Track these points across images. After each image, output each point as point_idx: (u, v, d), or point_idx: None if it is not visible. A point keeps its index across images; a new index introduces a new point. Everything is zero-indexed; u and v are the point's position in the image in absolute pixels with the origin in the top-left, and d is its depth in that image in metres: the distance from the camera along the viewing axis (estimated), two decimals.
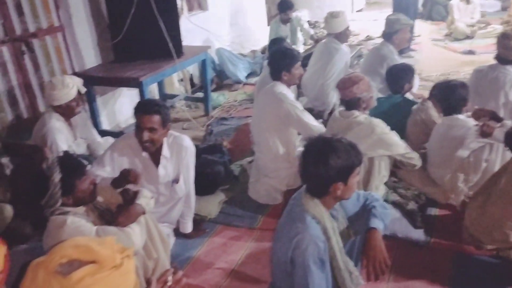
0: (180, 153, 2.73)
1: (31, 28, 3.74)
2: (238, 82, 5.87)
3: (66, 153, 2.15)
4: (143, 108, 2.58)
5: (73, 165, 2.07)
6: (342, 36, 4.49)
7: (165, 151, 2.70)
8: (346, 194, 1.85)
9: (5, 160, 3.27)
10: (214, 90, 5.63)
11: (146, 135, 2.54)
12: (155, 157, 2.71)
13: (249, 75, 6.06)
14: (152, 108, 2.55)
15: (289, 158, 3.24)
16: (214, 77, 5.87)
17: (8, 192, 3.13)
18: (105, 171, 2.61)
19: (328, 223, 1.83)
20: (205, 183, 3.23)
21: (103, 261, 0.91)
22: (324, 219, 1.81)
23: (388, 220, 2.02)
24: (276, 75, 3.19)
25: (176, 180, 2.76)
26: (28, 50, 3.70)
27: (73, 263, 0.90)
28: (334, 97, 4.47)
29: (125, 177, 2.41)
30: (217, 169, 3.41)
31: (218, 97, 5.38)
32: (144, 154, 2.69)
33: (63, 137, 3.20)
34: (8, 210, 2.89)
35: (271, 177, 3.24)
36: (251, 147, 3.99)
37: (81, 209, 2.15)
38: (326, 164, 1.76)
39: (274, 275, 1.96)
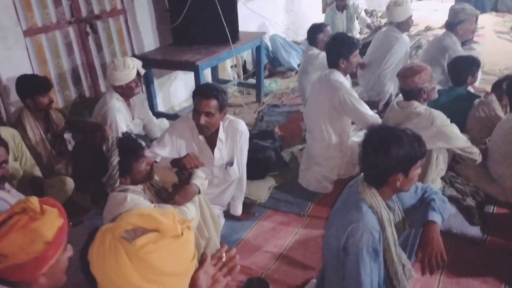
0: (235, 137, 2.77)
1: (96, 10, 3.88)
2: (291, 69, 5.84)
3: (125, 134, 2.21)
4: (201, 93, 2.61)
5: (131, 148, 2.12)
6: (404, 25, 4.36)
7: (221, 134, 2.74)
8: (405, 186, 1.81)
9: (67, 136, 3.45)
10: (266, 77, 5.64)
11: (203, 119, 2.59)
12: (211, 139, 2.76)
13: None
14: (210, 93, 2.58)
15: (341, 147, 3.20)
16: (267, 63, 5.86)
17: (69, 166, 3.30)
18: (165, 151, 2.68)
19: (384, 213, 1.79)
20: (256, 168, 3.25)
21: (165, 230, 0.94)
22: (380, 209, 1.78)
23: (447, 215, 1.96)
24: (333, 63, 3.13)
25: (230, 163, 2.80)
26: (92, 32, 3.85)
27: (138, 230, 0.94)
28: (391, 88, 4.36)
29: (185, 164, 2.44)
30: (268, 154, 3.43)
31: (271, 84, 5.38)
32: (201, 137, 2.74)
33: (122, 117, 3.32)
34: (70, 183, 3.04)
35: (322, 165, 3.21)
36: (303, 134, 3.98)
37: (139, 187, 2.23)
38: (387, 154, 1.72)
39: (325, 262, 1.95)
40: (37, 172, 3.04)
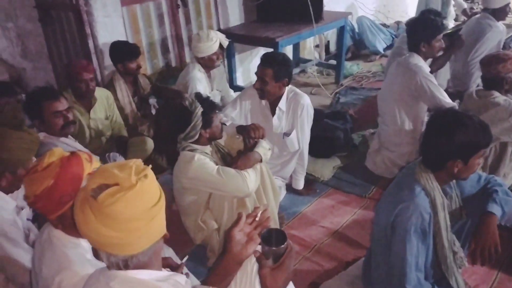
0: (296, 110, 2.84)
1: None
2: (376, 53, 5.69)
3: (199, 93, 2.40)
4: (262, 59, 2.79)
5: (210, 102, 2.35)
6: (500, 12, 4.04)
7: (282, 103, 2.84)
8: (463, 173, 1.76)
9: (152, 100, 3.73)
10: (348, 59, 5.56)
11: (257, 83, 2.77)
12: (274, 107, 2.89)
13: (388, 47, 5.81)
14: (266, 61, 2.74)
15: (414, 133, 3.12)
16: (351, 45, 5.77)
17: (151, 128, 3.58)
18: (234, 112, 2.90)
19: (438, 198, 1.77)
20: (322, 146, 3.29)
21: (122, 183, 1.04)
22: (434, 193, 1.76)
23: (509, 208, 1.87)
24: (413, 46, 3.04)
25: (287, 134, 2.89)
26: (182, 4, 4.07)
27: (102, 187, 1.04)
28: (478, 78, 4.10)
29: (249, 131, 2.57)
30: (337, 134, 3.43)
31: (352, 67, 5.31)
32: (264, 102, 2.85)
33: (201, 87, 3.51)
34: (150, 143, 3.31)
35: (392, 150, 3.16)
36: (377, 118, 3.91)
37: (208, 148, 2.40)
38: (449, 138, 1.68)
39: (373, 238, 1.97)
40: (124, 131, 3.34)
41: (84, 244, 1.43)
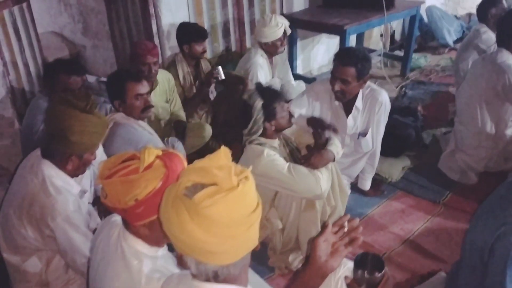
0: (373, 107, 2.62)
1: None
2: (445, 45, 5.32)
3: (259, 83, 2.24)
4: (341, 57, 2.51)
5: (271, 91, 2.16)
6: None
7: (359, 102, 2.62)
8: None
9: (212, 86, 3.61)
10: (415, 51, 5.23)
11: (337, 85, 2.50)
12: (348, 106, 2.65)
13: (458, 40, 5.43)
14: (348, 60, 2.46)
15: (495, 137, 2.85)
16: (418, 36, 5.42)
17: (210, 114, 3.48)
18: (301, 112, 2.65)
19: None
20: (392, 145, 3.06)
21: (221, 183, 0.93)
22: None
23: None
24: (503, 41, 2.74)
25: (363, 134, 2.68)
26: None
27: (197, 186, 0.94)
28: None
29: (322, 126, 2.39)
30: (408, 132, 3.20)
31: (419, 59, 4.99)
32: (337, 102, 2.65)
33: (263, 73, 3.37)
34: (208, 130, 3.21)
35: (469, 154, 2.90)
36: (449, 117, 3.65)
37: (276, 142, 2.25)
38: None
39: (464, 258, 1.76)
40: (183, 116, 3.25)
41: (162, 254, 1.31)
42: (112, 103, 2.38)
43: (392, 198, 2.84)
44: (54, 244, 1.78)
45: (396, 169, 3.04)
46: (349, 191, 2.84)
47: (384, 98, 2.61)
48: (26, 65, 3.11)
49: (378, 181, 2.96)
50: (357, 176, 2.88)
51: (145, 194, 1.16)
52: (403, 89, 4.37)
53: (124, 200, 1.17)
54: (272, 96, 2.15)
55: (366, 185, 2.86)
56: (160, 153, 1.22)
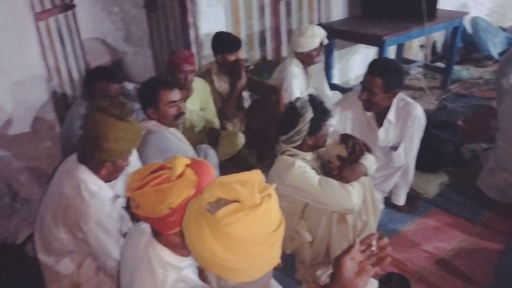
0: (406, 121, 2.55)
1: None
2: (489, 58, 5.13)
3: (314, 96, 2.19)
4: (370, 67, 2.48)
5: (323, 109, 2.13)
6: None
7: (391, 115, 2.57)
8: None
9: (245, 94, 3.63)
10: (457, 63, 5.07)
11: (364, 95, 2.48)
12: (380, 118, 2.60)
13: (503, 52, 5.22)
14: (376, 70, 2.43)
15: None
16: (461, 48, 5.26)
17: (243, 122, 3.49)
18: (334, 121, 2.63)
19: None
20: (429, 160, 2.97)
21: (244, 200, 0.92)
22: None
23: None
24: None
25: (394, 148, 2.61)
26: None
27: (220, 202, 0.94)
28: None
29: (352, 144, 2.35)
30: (446, 147, 3.10)
31: (461, 71, 4.84)
32: (369, 113, 2.60)
33: (298, 83, 3.36)
34: (241, 138, 3.23)
35: (510, 172, 2.77)
36: (490, 133, 3.51)
37: (309, 155, 2.23)
38: None
39: (499, 281, 1.69)
40: (216, 123, 3.28)
41: (187, 264, 1.32)
42: (145, 111, 2.41)
43: (427, 215, 2.75)
44: (86, 247, 1.83)
45: (433, 185, 2.95)
46: (382, 206, 2.78)
47: (418, 113, 2.54)
48: (69, 70, 3.24)
49: (413, 196, 2.87)
50: (391, 191, 2.81)
51: (179, 202, 1.17)
52: (443, 102, 4.24)
53: (158, 209, 1.18)
54: (323, 114, 2.13)
55: (400, 200, 2.78)
56: (188, 162, 1.24)
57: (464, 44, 5.27)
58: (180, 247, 1.27)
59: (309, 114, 2.06)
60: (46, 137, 3.10)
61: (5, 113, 2.88)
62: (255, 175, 0.98)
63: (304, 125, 2.06)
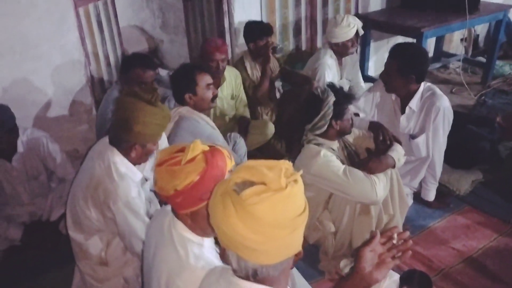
0: (429, 112, 2.50)
1: None
2: None
3: (332, 83, 2.23)
4: (392, 48, 2.51)
5: (344, 93, 2.17)
6: None
7: (413, 103, 2.53)
8: None
9: (278, 84, 3.63)
10: (500, 58, 4.87)
11: (382, 73, 2.52)
12: (404, 104, 2.58)
13: None
14: (394, 52, 2.46)
15: None
16: (504, 43, 5.04)
17: (274, 112, 3.50)
18: (361, 103, 2.71)
19: None
20: (463, 156, 2.90)
21: (270, 183, 0.94)
22: None
23: None
24: None
25: (414, 136, 2.57)
26: None
27: (246, 183, 0.96)
28: None
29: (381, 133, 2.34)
30: (482, 144, 3.00)
31: (503, 67, 4.64)
32: (394, 97, 2.59)
33: (331, 74, 3.32)
34: (271, 128, 3.23)
35: None
36: None
37: (335, 144, 2.22)
38: None
39: None
40: (247, 112, 3.30)
41: (207, 245, 1.35)
42: (180, 97, 2.44)
43: (458, 212, 2.69)
44: (114, 227, 1.89)
45: (466, 182, 2.86)
46: (410, 202, 2.73)
47: (443, 105, 2.46)
48: (106, 56, 3.32)
49: (444, 193, 2.81)
50: (421, 186, 2.76)
51: (183, 185, 1.22)
52: (482, 97, 4.09)
53: (166, 188, 1.24)
54: (344, 97, 2.16)
55: (430, 195, 2.72)
56: (207, 148, 1.27)
57: (508, 39, 5.05)
58: (194, 228, 1.31)
59: (331, 98, 2.08)
60: (83, 120, 3.21)
61: (45, 96, 3.01)
62: (283, 163, 1.00)
63: (328, 108, 2.08)
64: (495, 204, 2.72)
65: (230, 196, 0.95)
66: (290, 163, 1.01)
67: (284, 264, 1.01)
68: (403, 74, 2.41)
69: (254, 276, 1.00)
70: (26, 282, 2.36)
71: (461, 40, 4.94)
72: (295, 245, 1.01)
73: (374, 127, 2.34)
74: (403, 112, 2.59)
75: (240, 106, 3.25)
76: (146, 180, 2.07)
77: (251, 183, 0.95)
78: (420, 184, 2.75)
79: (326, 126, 2.13)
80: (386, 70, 2.48)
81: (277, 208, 0.93)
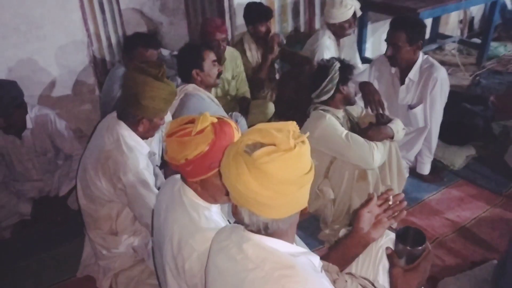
0: (427, 82, 2.59)
1: None
2: None
3: (333, 57, 2.35)
4: (392, 23, 2.57)
5: (347, 63, 2.29)
6: None
7: (413, 73, 2.62)
8: None
9: (277, 65, 3.69)
10: (495, 39, 4.94)
11: (389, 51, 2.56)
12: (403, 76, 2.67)
13: None
14: (398, 24, 2.52)
15: None
16: (499, 24, 5.11)
17: (274, 92, 3.56)
18: (362, 77, 2.76)
19: None
20: (457, 133, 2.99)
21: (279, 144, 1.00)
22: None
23: None
24: None
25: (412, 106, 2.66)
26: None
27: (257, 144, 1.02)
28: None
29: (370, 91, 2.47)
30: (475, 121, 3.09)
31: (497, 48, 4.72)
32: (394, 70, 2.67)
33: (329, 54, 3.36)
34: (271, 107, 3.30)
35: None
36: None
37: (340, 113, 2.34)
38: None
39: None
40: (247, 92, 3.36)
41: (215, 210, 1.44)
42: (188, 74, 2.49)
43: (452, 186, 2.79)
44: (124, 197, 1.97)
45: (460, 157, 2.96)
46: (407, 175, 2.82)
47: (441, 75, 2.56)
48: (108, 37, 3.36)
49: (439, 168, 2.90)
50: (416, 160, 2.85)
51: (193, 155, 1.30)
52: (477, 78, 4.17)
53: (177, 158, 1.32)
54: (348, 66, 2.28)
55: (425, 169, 2.82)
56: (215, 120, 1.35)
57: (504, 20, 5.12)
58: (202, 195, 1.40)
59: (337, 64, 2.21)
60: (86, 100, 3.27)
61: (49, 76, 3.06)
62: (291, 125, 1.07)
63: (334, 72, 2.20)
64: (488, 177, 2.82)
65: (242, 157, 1.01)
66: (297, 125, 1.08)
67: (292, 218, 1.08)
68: (413, 41, 2.50)
69: (265, 230, 1.07)
70: (37, 254, 2.45)
71: (459, 21, 4.99)
72: (302, 201, 1.07)
73: (363, 86, 2.49)
74: (402, 83, 2.67)
75: (241, 86, 3.31)
76: (154, 154, 2.15)
77: (262, 144, 1.02)
78: (416, 158, 2.84)
79: (333, 91, 2.23)
80: (394, 43, 2.52)
81: (286, 166, 0.99)
